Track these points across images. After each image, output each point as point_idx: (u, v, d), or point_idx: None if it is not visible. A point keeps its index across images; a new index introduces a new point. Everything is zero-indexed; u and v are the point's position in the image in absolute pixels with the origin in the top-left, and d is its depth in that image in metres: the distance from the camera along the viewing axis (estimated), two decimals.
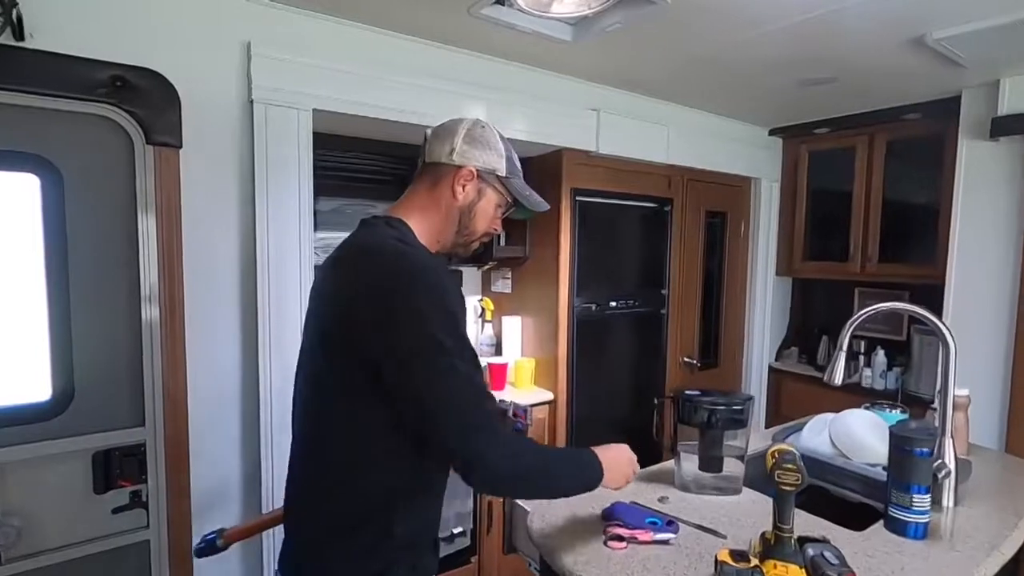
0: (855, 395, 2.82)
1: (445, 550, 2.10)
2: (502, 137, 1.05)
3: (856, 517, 1.31)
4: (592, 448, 1.03)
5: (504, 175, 1.03)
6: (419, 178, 1.04)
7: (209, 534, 1.31)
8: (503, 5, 1.69)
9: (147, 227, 1.55)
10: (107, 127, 1.50)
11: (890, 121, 2.81)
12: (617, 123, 2.48)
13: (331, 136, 1.98)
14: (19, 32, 1.31)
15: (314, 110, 1.74)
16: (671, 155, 2.71)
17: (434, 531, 1.05)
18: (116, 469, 1.56)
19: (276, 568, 1.06)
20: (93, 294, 1.51)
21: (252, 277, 1.71)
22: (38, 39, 1.36)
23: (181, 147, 1.57)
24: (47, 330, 1.47)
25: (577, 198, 2.46)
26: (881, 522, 1.23)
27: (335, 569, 0.94)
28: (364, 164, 2.19)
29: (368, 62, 1.85)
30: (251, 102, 1.66)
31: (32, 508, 1.46)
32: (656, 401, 1.50)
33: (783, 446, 1.04)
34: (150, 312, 1.57)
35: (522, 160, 2.65)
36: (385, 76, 1.86)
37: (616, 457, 1.06)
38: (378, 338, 0.85)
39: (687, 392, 1.41)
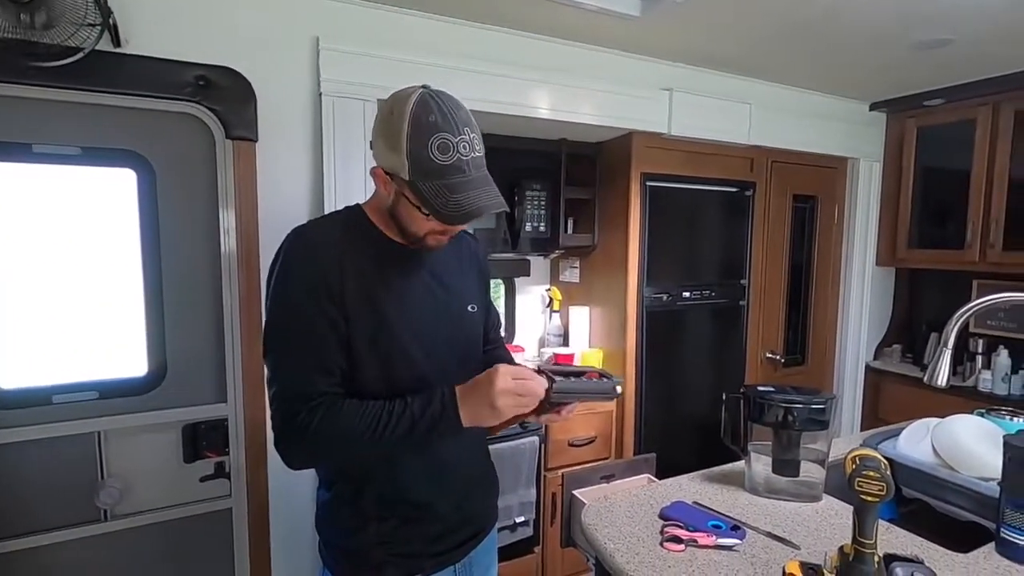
0: (971, 400, 2.51)
1: (507, 539, 2.10)
2: (420, 124, 0.84)
3: (962, 537, 1.15)
4: (455, 386, 0.90)
5: (408, 178, 0.86)
6: None
7: None
8: None
9: (227, 217, 1.66)
10: (192, 124, 1.61)
11: (1019, 88, 2.43)
12: (692, 103, 2.34)
13: None
14: (116, 39, 1.44)
15: (378, 100, 1.77)
16: (753, 135, 2.52)
17: (412, 505, 1.00)
18: (202, 441, 1.69)
19: None
20: (182, 280, 1.64)
21: None
22: (132, 44, 1.49)
23: (257, 140, 1.66)
24: (143, 312, 1.61)
25: (648, 183, 2.35)
26: (992, 544, 1.07)
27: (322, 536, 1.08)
28: None
29: (430, 51, 1.86)
30: (320, 95, 1.72)
31: (131, 472, 1.62)
32: (724, 397, 1.39)
33: (866, 451, 0.92)
34: (230, 298, 1.68)
35: (590, 145, 2.58)
36: (447, 64, 1.86)
37: (480, 382, 0.89)
38: None
39: (759, 388, 1.29)
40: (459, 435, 0.91)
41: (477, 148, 0.90)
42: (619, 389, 1.00)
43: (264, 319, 0.96)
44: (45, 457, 1.52)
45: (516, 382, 0.88)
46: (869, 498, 0.87)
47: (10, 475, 1.49)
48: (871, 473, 0.87)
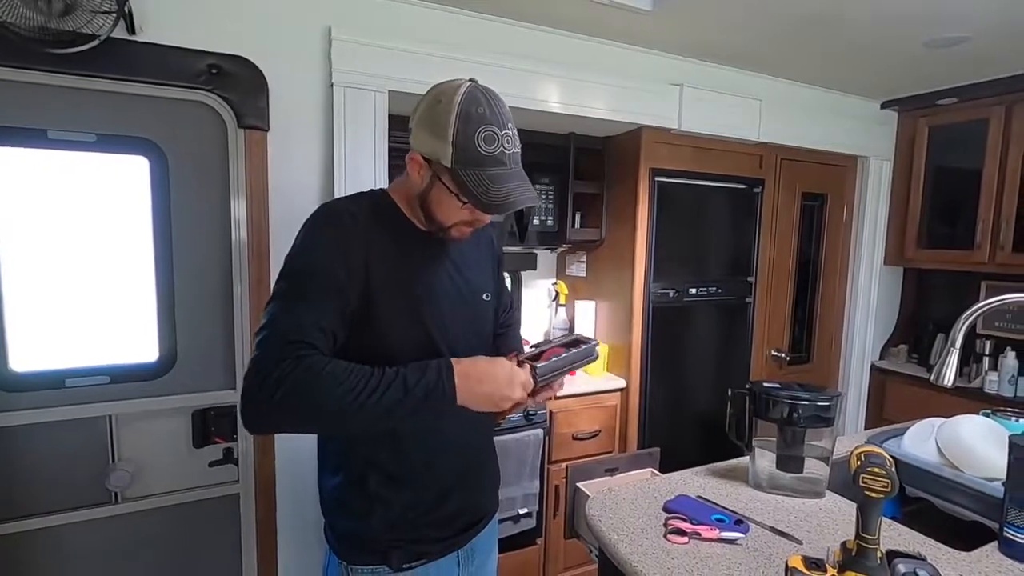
0: (976, 401, 2.50)
1: (510, 530, 2.12)
2: (468, 115, 0.86)
3: (964, 536, 1.16)
4: (452, 360, 0.88)
5: (450, 165, 0.88)
6: None
7: None
8: None
9: (238, 206, 1.67)
10: (204, 112, 1.62)
11: None
12: (702, 98, 2.33)
13: (406, 118, 2.02)
14: (130, 26, 1.45)
15: (390, 91, 1.78)
16: (763, 132, 2.50)
17: (417, 491, 1.01)
18: (211, 427, 1.71)
19: None
20: (193, 268, 1.66)
21: None
22: (146, 32, 1.50)
23: (268, 130, 1.66)
24: (154, 299, 1.63)
25: (656, 179, 2.34)
26: (994, 543, 1.07)
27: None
28: None
29: (442, 43, 1.86)
30: (331, 85, 1.72)
31: (142, 457, 1.65)
32: (729, 393, 1.40)
33: (871, 447, 0.92)
34: (240, 287, 1.70)
35: (599, 139, 2.56)
36: (457, 56, 1.86)
37: (486, 372, 0.88)
38: None
39: (765, 384, 1.30)
40: (449, 413, 0.87)
41: (517, 144, 0.92)
42: (597, 351, 1.04)
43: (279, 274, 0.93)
44: (57, 440, 1.54)
45: (526, 389, 0.91)
46: (873, 494, 0.87)
47: (23, 457, 1.52)
48: (876, 470, 0.87)
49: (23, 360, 1.51)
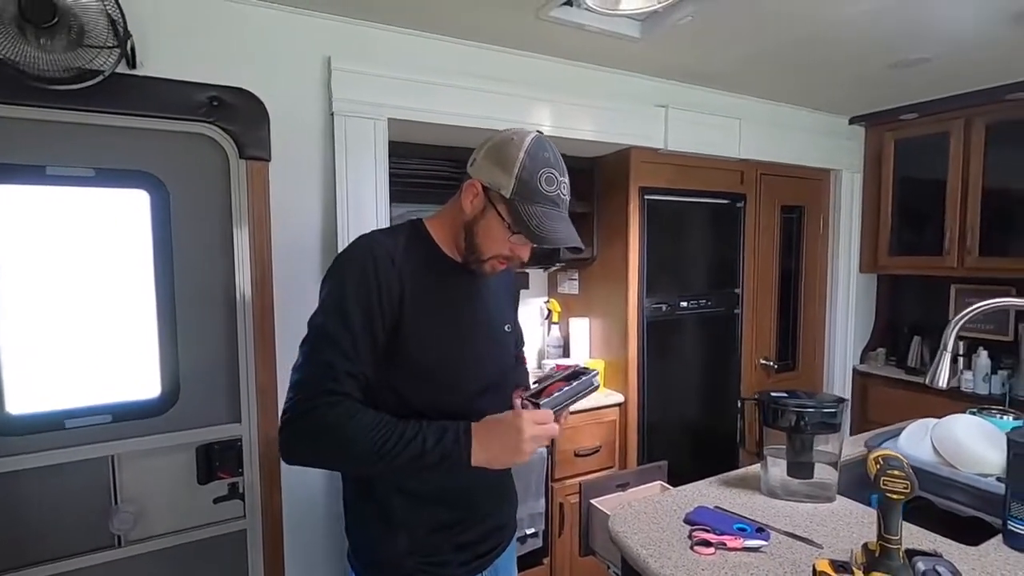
0: (954, 400, 2.61)
1: (517, 550, 2.10)
2: (536, 155, 0.94)
3: (966, 532, 1.21)
4: (471, 424, 0.91)
5: (509, 196, 0.94)
6: None
7: None
8: (571, 6, 1.69)
9: (241, 237, 1.66)
10: (206, 144, 1.62)
11: (990, 103, 2.57)
12: (685, 119, 2.42)
13: (403, 144, 2.05)
14: (132, 61, 1.44)
15: (389, 119, 1.80)
16: (743, 149, 2.61)
17: (441, 514, 1.03)
18: (216, 462, 1.68)
19: None
20: (195, 301, 1.64)
21: None
22: (147, 66, 1.49)
23: (270, 160, 1.67)
24: (156, 334, 1.60)
25: (645, 197, 2.41)
26: (999, 537, 1.13)
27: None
28: (434, 170, 2.23)
29: (438, 71, 1.90)
30: (332, 115, 1.74)
31: (145, 496, 1.60)
32: (739, 404, 1.44)
33: (888, 451, 0.97)
34: (244, 318, 1.68)
35: (588, 160, 2.62)
36: (454, 83, 1.91)
37: (500, 431, 0.90)
38: None
39: (773, 394, 1.35)
40: (464, 471, 0.90)
41: (569, 193, 1.00)
42: (596, 381, 1.05)
43: (317, 306, 0.97)
44: (59, 483, 1.49)
45: (540, 427, 0.91)
46: (895, 496, 0.92)
47: (24, 502, 1.46)
48: (896, 472, 0.92)
49: (21, 402, 1.46)
